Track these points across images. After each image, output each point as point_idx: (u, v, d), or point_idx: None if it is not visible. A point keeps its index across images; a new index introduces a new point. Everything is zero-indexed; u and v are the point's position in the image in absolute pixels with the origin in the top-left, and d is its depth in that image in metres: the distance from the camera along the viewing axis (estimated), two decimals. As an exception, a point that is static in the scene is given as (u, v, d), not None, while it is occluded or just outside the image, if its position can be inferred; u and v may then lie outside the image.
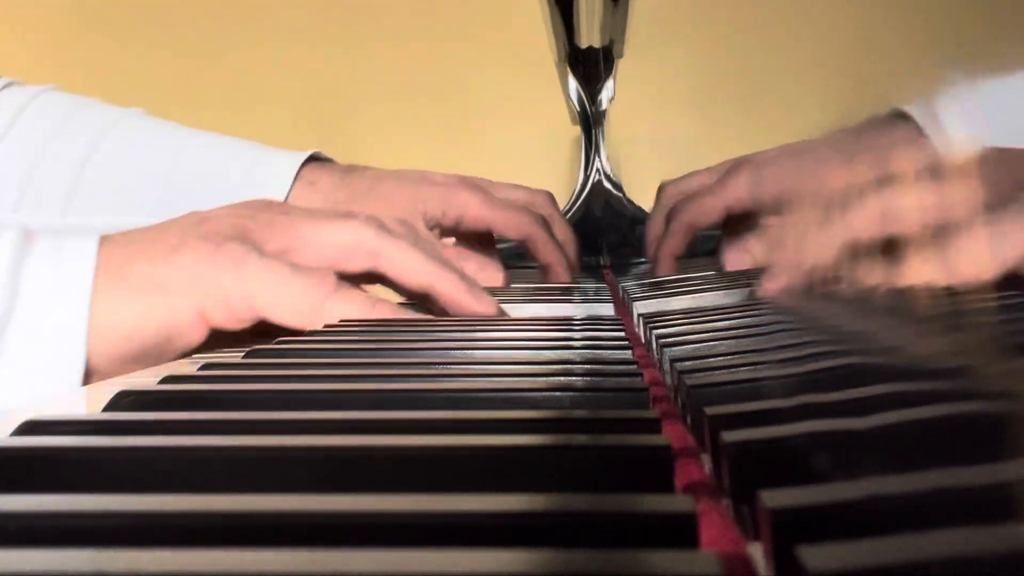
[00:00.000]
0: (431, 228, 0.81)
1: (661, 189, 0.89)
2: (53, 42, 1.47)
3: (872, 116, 0.85)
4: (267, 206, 0.52)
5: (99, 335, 0.44)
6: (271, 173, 0.77)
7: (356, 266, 0.52)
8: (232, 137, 0.77)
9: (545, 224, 0.83)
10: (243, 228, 0.48)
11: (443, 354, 0.39)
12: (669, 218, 0.85)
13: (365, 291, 0.53)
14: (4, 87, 0.66)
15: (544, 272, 0.83)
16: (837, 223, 0.43)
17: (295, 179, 0.77)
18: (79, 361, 0.43)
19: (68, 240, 0.46)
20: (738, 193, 0.82)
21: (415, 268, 0.53)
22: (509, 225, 0.82)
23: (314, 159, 0.82)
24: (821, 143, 0.83)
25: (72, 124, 0.75)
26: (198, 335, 0.47)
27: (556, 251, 0.83)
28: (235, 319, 0.47)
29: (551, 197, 0.89)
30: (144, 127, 0.78)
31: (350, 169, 0.82)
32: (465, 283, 0.54)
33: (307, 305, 0.47)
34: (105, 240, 0.46)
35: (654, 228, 0.87)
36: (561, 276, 0.82)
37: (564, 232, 0.87)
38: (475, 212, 0.81)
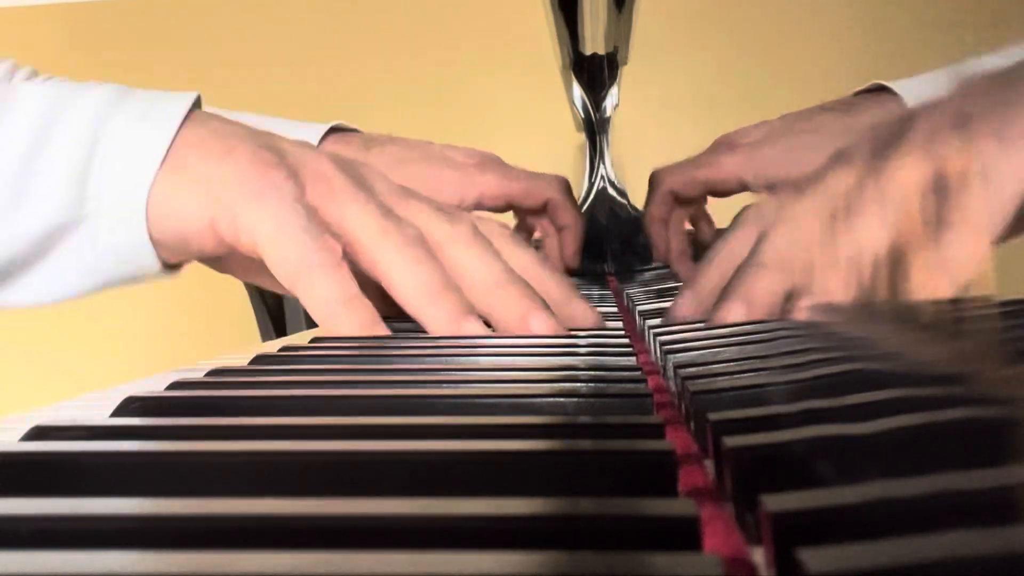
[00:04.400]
0: None
1: (653, 173, 0.91)
2: (46, 64, 1.47)
3: (856, 93, 0.85)
4: (342, 164, 0.49)
5: (152, 204, 0.45)
6: None
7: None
8: (253, 114, 0.76)
9: (565, 187, 0.84)
10: (298, 167, 0.47)
11: (448, 360, 0.39)
12: (651, 184, 0.87)
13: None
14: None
15: (561, 234, 0.84)
16: (849, 238, 0.41)
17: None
18: (141, 226, 0.44)
19: (156, 107, 0.46)
20: (727, 173, 0.83)
21: (476, 283, 0.47)
22: (527, 193, 0.83)
23: (336, 130, 0.81)
24: (805, 120, 0.83)
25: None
26: (210, 244, 0.46)
27: (575, 215, 0.85)
28: (239, 243, 0.46)
29: (565, 182, 0.90)
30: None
31: (370, 142, 0.82)
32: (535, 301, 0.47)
33: (295, 265, 0.44)
34: (191, 119, 0.46)
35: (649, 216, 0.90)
36: (576, 241, 0.84)
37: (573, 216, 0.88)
38: (493, 191, 0.82)
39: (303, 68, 2.22)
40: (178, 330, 2.21)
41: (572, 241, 0.85)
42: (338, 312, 0.45)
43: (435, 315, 0.45)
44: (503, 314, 0.46)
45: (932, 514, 0.15)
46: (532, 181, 0.83)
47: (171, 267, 0.49)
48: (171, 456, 0.22)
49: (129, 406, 0.30)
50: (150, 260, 0.46)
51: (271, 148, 0.47)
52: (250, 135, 0.47)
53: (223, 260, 0.51)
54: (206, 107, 0.50)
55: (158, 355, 2.11)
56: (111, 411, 0.30)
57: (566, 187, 0.86)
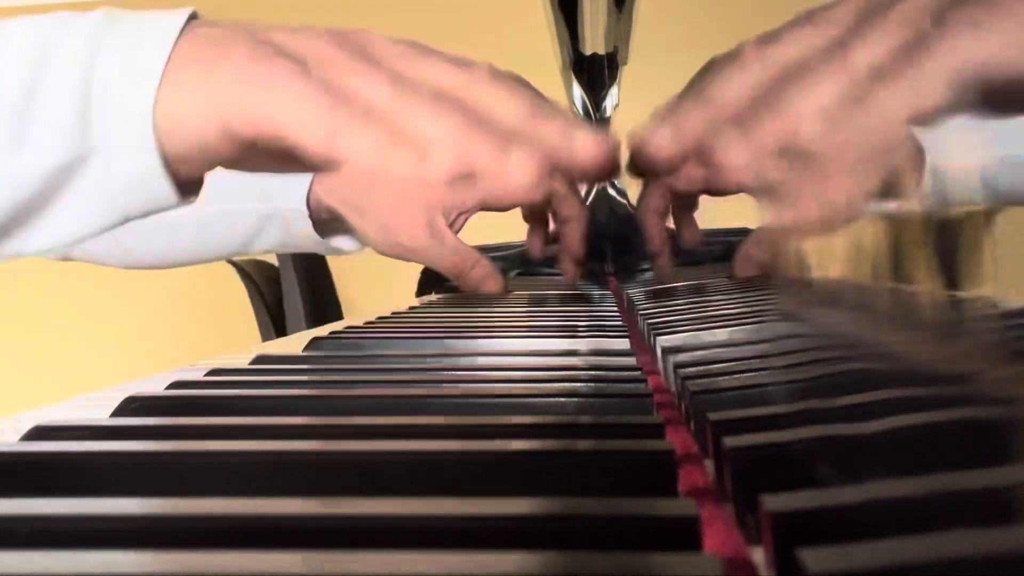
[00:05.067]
0: (452, 218, 0.82)
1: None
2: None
3: None
4: (341, 40, 0.47)
5: (160, 124, 0.45)
6: None
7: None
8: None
9: (570, 180, 0.84)
10: (298, 51, 0.45)
11: (449, 360, 0.39)
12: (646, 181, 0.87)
13: None
14: None
15: (562, 227, 0.85)
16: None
17: None
18: (151, 151, 0.44)
19: (148, 27, 0.46)
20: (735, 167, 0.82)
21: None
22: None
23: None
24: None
25: None
26: (227, 147, 0.46)
27: (579, 207, 0.85)
28: (260, 134, 0.45)
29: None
30: None
31: None
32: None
33: (324, 129, 0.43)
34: (186, 34, 0.46)
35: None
36: (579, 233, 0.84)
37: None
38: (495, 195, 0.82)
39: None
40: (178, 330, 2.21)
41: (575, 232, 0.85)
42: (389, 151, 0.44)
43: (478, 150, 0.44)
44: (544, 139, 0.45)
45: (932, 514, 0.15)
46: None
47: (188, 191, 0.49)
48: (171, 456, 0.22)
49: (129, 406, 0.30)
50: (164, 185, 0.46)
51: (267, 41, 0.46)
52: (244, 34, 0.46)
53: (248, 160, 0.49)
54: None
55: (158, 355, 2.11)
56: (111, 411, 0.30)
57: (571, 180, 0.86)
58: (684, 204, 0.88)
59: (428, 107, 0.45)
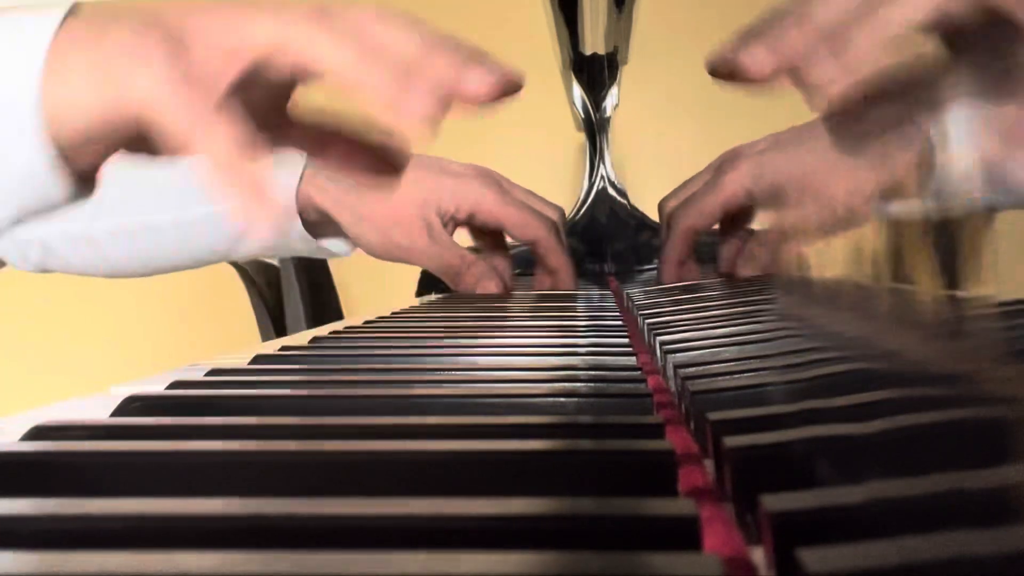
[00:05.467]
0: (445, 221, 0.82)
1: (661, 207, 0.89)
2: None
3: None
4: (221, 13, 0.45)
5: (47, 110, 0.43)
6: None
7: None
8: None
9: (556, 230, 0.83)
10: (181, 29, 0.43)
11: (449, 360, 0.39)
12: (669, 225, 0.85)
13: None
14: None
15: (550, 277, 0.84)
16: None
17: None
18: (37, 142, 0.42)
19: (28, 20, 0.45)
20: (733, 189, 0.82)
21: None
22: (519, 225, 0.82)
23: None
24: (813, 129, 0.82)
25: None
26: (117, 125, 0.44)
27: (563, 258, 0.84)
28: (140, 116, 0.42)
29: (562, 214, 0.88)
30: None
31: None
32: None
33: (186, 121, 0.41)
34: (68, 23, 0.44)
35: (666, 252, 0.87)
36: (566, 284, 0.83)
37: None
38: (489, 207, 0.81)
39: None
40: (178, 330, 2.21)
41: (565, 282, 0.84)
42: (235, 163, 0.41)
43: (375, 83, 0.42)
44: (438, 72, 0.43)
45: (932, 514, 0.15)
46: (526, 215, 0.82)
47: (84, 185, 0.47)
48: (171, 456, 0.22)
49: (130, 406, 0.30)
50: (52, 178, 0.45)
51: (151, 20, 0.45)
52: (128, 15, 0.45)
53: (149, 146, 0.48)
54: None
55: (158, 355, 2.11)
56: (111, 411, 0.30)
57: (556, 228, 0.84)
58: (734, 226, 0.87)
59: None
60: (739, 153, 0.84)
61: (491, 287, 0.80)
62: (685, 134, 1.59)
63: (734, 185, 0.82)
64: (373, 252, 0.82)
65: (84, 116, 0.43)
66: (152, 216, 0.81)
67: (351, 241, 0.83)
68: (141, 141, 0.45)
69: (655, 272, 0.95)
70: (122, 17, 0.45)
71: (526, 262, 0.98)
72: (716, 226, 0.85)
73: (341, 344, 0.47)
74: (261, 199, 0.41)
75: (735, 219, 0.85)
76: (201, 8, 0.46)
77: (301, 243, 0.82)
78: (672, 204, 0.87)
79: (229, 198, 0.40)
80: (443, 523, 0.17)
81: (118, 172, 0.71)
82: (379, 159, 0.48)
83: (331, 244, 0.83)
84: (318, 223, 0.80)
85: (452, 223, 0.83)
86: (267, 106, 0.46)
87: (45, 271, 0.84)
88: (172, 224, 0.81)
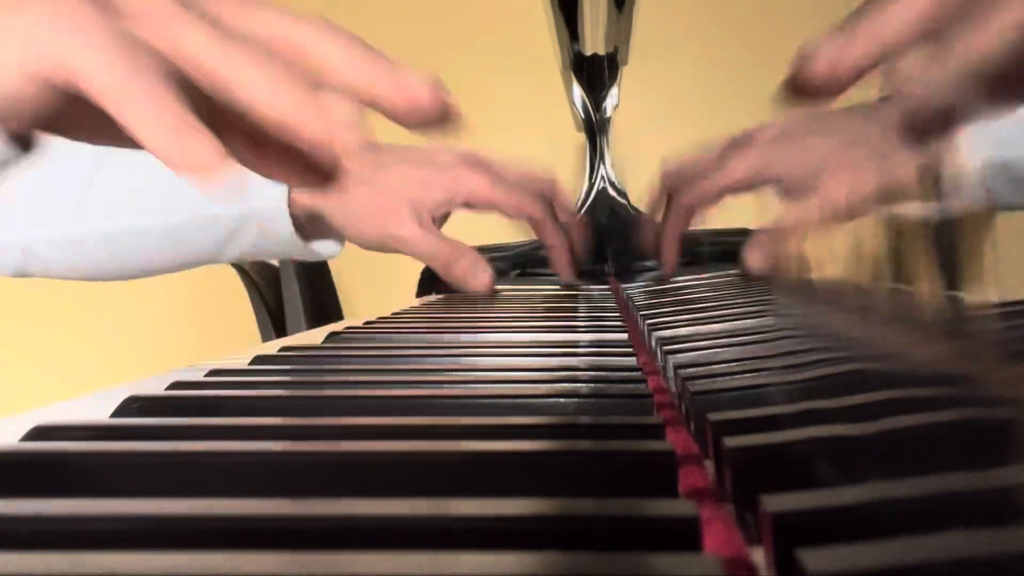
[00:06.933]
0: (440, 213, 0.82)
1: (663, 173, 0.90)
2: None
3: (881, 98, 0.85)
4: None
5: None
6: None
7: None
8: None
9: (549, 207, 0.84)
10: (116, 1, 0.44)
11: (449, 360, 0.39)
12: (670, 200, 0.87)
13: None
14: None
15: (549, 252, 0.85)
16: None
17: None
18: None
19: None
20: (738, 177, 0.82)
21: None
22: (513, 207, 0.83)
23: None
24: (823, 121, 0.82)
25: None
26: (36, 91, 0.43)
27: (559, 233, 0.85)
28: (67, 84, 0.43)
29: (554, 182, 0.89)
30: None
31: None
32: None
33: (119, 92, 0.38)
34: None
35: (653, 210, 0.89)
36: (564, 258, 0.84)
37: (567, 216, 0.88)
38: (482, 195, 0.82)
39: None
40: (178, 330, 2.21)
41: (559, 258, 0.86)
42: (172, 141, 0.38)
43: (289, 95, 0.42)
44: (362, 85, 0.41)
45: (931, 514, 0.15)
46: (518, 197, 0.83)
47: (22, 146, 0.46)
48: (171, 456, 0.22)
49: (130, 406, 0.30)
50: None
51: None
52: None
53: (76, 118, 0.47)
54: None
55: (158, 355, 2.11)
56: (111, 411, 0.30)
57: (549, 204, 0.85)
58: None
59: (241, 57, 0.42)
60: (750, 138, 0.84)
61: (481, 280, 0.80)
62: (685, 134, 1.59)
63: (739, 172, 0.82)
64: (365, 243, 0.82)
65: (5, 82, 0.42)
66: (138, 219, 0.81)
67: (342, 238, 0.83)
68: (79, 111, 0.44)
69: (655, 272, 0.95)
70: None
71: (526, 262, 0.98)
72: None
73: (341, 344, 0.47)
74: (207, 153, 0.37)
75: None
76: None
77: (291, 245, 0.82)
78: (674, 175, 0.88)
79: (175, 160, 0.39)
80: (443, 523, 0.17)
81: (103, 173, 0.70)
82: (312, 164, 0.46)
83: (321, 247, 0.83)
84: (305, 225, 0.80)
85: (443, 215, 0.83)
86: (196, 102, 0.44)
87: (24, 275, 0.84)
88: (159, 227, 0.81)
